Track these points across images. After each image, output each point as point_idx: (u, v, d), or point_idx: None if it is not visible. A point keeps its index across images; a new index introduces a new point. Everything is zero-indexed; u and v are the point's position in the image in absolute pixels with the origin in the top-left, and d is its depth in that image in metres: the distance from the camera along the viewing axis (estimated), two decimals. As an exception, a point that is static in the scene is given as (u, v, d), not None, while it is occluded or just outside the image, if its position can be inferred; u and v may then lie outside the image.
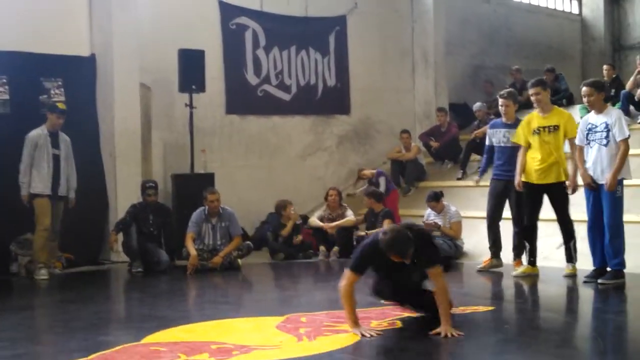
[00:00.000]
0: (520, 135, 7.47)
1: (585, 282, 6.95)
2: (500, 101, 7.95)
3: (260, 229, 10.61)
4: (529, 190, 7.39)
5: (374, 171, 10.83)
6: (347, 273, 5.16)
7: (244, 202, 10.59)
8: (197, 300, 7.31)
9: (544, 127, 7.29)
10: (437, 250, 5.46)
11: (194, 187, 9.30)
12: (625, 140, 6.77)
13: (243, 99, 11.20)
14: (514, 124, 7.73)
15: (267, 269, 9.14)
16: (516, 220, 7.70)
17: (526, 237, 7.53)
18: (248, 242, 9.12)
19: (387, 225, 9.28)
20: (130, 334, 5.16)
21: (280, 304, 6.60)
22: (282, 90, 11.59)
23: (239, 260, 8.68)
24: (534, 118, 7.45)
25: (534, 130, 7.36)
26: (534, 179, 7.33)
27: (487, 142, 8.18)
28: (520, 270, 7.55)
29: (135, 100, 9.62)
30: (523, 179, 7.39)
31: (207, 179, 9.64)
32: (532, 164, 7.35)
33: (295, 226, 9.74)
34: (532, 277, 7.44)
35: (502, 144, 7.82)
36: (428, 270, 5.12)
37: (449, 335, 4.86)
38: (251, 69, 11.29)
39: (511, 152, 7.65)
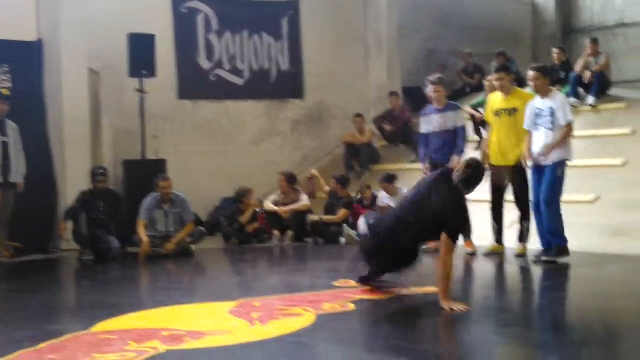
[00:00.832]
0: (487, 115, 7.66)
1: (534, 261, 7.07)
2: (431, 87, 7.95)
3: (214, 214, 10.54)
4: (493, 171, 7.47)
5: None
6: (450, 244, 5.13)
7: (198, 188, 10.49)
8: (149, 287, 7.24)
9: (504, 110, 7.40)
10: (466, 217, 5.52)
11: (145, 173, 9.18)
12: (569, 124, 6.90)
13: (195, 84, 11.09)
14: (444, 109, 7.80)
15: (221, 254, 9.10)
16: None
17: (493, 217, 7.63)
18: (201, 227, 9.07)
19: (342, 212, 9.33)
20: (80, 323, 5.06)
21: (234, 289, 6.56)
22: (235, 75, 11.51)
23: (192, 246, 8.62)
24: (496, 100, 7.55)
25: (495, 112, 7.47)
26: (495, 160, 7.43)
27: (420, 131, 8.10)
28: (488, 248, 7.63)
29: (84, 86, 9.45)
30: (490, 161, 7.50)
31: (159, 165, 9.53)
32: (493, 146, 7.46)
33: (253, 213, 9.69)
34: (499, 254, 7.53)
35: (437, 130, 7.81)
36: (445, 232, 5.12)
37: (450, 310, 4.93)
38: (203, 53, 11.19)
39: (445, 135, 7.71)
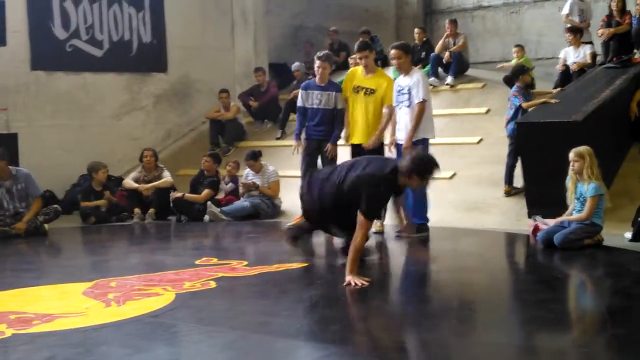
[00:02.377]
0: (345, 88, 7.63)
1: (397, 236, 7.21)
2: (318, 62, 7.90)
3: (71, 191, 10.08)
4: (353, 149, 7.51)
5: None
6: (366, 223, 5.18)
7: (54, 164, 10.04)
8: (-3, 268, 6.81)
9: (362, 88, 7.42)
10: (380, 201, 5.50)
11: (-6, 147, 8.63)
12: (421, 103, 7.04)
13: (50, 54, 10.53)
14: (326, 87, 7.77)
15: (78, 233, 8.71)
16: None
17: None
18: (56, 205, 8.63)
19: (205, 193, 9.16)
20: None
21: (89, 269, 6.29)
22: (93, 46, 11.01)
23: (46, 225, 8.20)
24: (357, 75, 7.54)
25: (354, 88, 7.48)
26: (354, 139, 7.47)
27: (298, 104, 7.97)
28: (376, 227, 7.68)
29: None
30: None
31: (10, 140, 9.01)
32: (351, 124, 7.49)
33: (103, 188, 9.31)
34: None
35: (315, 106, 7.76)
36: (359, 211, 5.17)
37: (353, 284, 4.99)
38: (58, 22, 10.62)
39: (324, 113, 7.70)
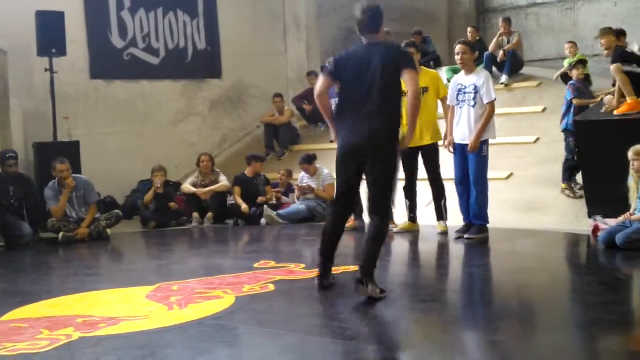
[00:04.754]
0: None
1: (457, 238, 7.17)
2: None
3: (131, 197, 10.30)
4: (405, 152, 7.50)
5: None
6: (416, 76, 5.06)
7: (114, 171, 10.29)
8: (62, 273, 7.01)
9: None
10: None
11: (57, 156, 8.80)
12: (492, 103, 6.97)
13: (109, 63, 10.79)
14: None
15: (139, 238, 8.90)
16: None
17: (406, 195, 7.69)
18: (117, 210, 8.84)
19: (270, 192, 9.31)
20: (-10, 311, 4.88)
21: (151, 273, 6.42)
22: (150, 54, 11.24)
23: (108, 230, 8.41)
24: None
25: (404, 92, 7.46)
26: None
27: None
28: (400, 226, 7.71)
29: (-11, 65, 9.07)
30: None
31: (72, 148, 9.24)
32: (403, 128, 7.47)
33: (167, 193, 9.52)
34: (412, 233, 7.63)
35: None
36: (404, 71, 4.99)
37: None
38: (116, 31, 10.88)
39: None
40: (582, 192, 7.81)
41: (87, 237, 8.20)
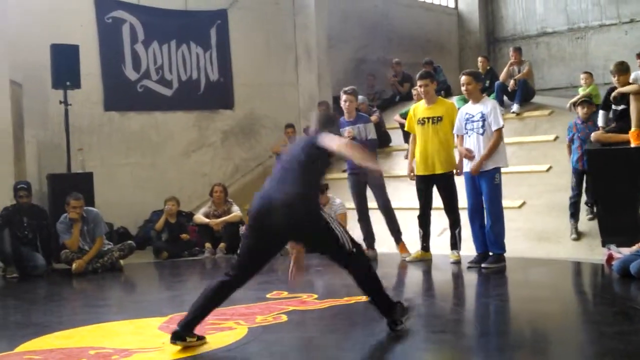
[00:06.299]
0: (409, 125, 7.71)
1: (469, 267, 7.15)
2: (344, 97, 7.98)
3: (144, 228, 10.34)
4: (419, 181, 7.55)
5: None
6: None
7: (127, 201, 10.33)
8: (75, 304, 7.02)
9: (428, 118, 7.48)
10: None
11: (71, 187, 8.88)
12: (499, 130, 7.02)
13: (122, 95, 10.90)
14: (355, 121, 7.92)
15: (151, 268, 8.91)
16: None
17: (420, 224, 7.70)
18: (130, 241, 8.87)
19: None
20: (3, 343, 4.89)
21: (164, 304, 6.42)
22: (163, 86, 11.35)
23: (121, 261, 8.43)
24: (419, 109, 7.63)
25: (419, 121, 7.55)
26: (422, 170, 7.50)
27: None
28: (413, 255, 7.71)
29: (5, 97, 9.16)
30: (415, 172, 7.57)
31: (86, 179, 9.29)
32: (418, 156, 7.53)
33: (179, 223, 9.56)
34: (425, 261, 7.63)
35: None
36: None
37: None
38: (130, 64, 11.00)
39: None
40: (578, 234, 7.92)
41: (100, 268, 8.23)
